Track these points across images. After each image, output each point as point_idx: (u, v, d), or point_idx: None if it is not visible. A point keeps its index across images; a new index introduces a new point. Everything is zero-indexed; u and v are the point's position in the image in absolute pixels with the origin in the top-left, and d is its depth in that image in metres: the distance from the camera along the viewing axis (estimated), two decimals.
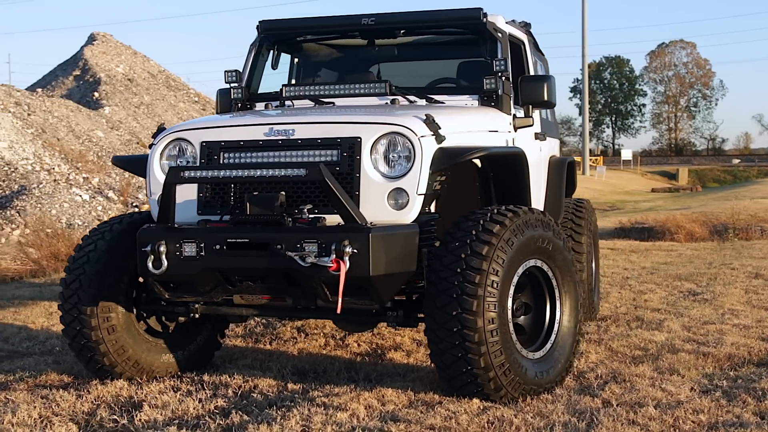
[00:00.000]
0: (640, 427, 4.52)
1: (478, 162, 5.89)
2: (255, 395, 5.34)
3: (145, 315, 5.91)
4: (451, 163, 5.15)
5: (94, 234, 5.82)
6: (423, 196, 5.09)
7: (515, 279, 5.16)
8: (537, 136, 7.21)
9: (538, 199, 7.19)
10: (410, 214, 5.06)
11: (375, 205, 5.07)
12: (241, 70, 6.77)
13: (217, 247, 4.96)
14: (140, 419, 4.85)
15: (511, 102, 6.40)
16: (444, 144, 5.20)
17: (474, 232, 5.05)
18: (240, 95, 6.67)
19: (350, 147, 5.14)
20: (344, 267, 4.69)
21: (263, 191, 5.13)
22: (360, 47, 7.13)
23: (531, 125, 6.47)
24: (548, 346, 5.41)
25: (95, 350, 5.68)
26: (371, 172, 5.12)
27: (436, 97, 6.30)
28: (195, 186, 5.37)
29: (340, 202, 4.79)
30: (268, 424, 4.64)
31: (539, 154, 7.30)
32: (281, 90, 6.32)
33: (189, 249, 5.00)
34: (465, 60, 6.92)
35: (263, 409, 4.98)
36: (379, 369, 6.01)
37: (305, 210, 5.03)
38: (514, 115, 6.42)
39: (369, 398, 5.12)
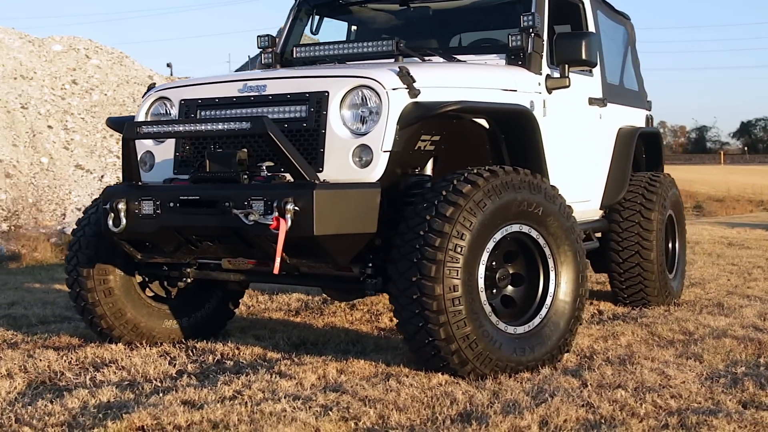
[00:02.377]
0: (588, 408, 3.99)
1: (485, 123, 5.44)
2: (228, 363, 5.15)
3: (147, 280, 5.83)
4: (421, 118, 4.75)
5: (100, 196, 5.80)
6: (389, 153, 4.71)
7: (489, 245, 4.70)
8: (593, 102, 6.64)
9: (588, 168, 6.63)
10: (374, 172, 4.70)
11: (339, 162, 4.76)
12: (275, 35, 6.61)
13: (171, 204, 4.80)
14: (93, 378, 4.77)
15: (543, 61, 5.89)
16: (420, 99, 4.80)
17: (444, 193, 4.64)
18: (270, 60, 6.50)
19: (318, 102, 4.85)
20: (284, 225, 4.40)
21: (228, 148, 4.93)
22: (418, 11, 6.78)
23: (567, 86, 5.91)
24: (536, 321, 4.91)
25: (93, 312, 5.65)
26: (338, 128, 4.80)
27: (462, 57, 5.88)
28: (173, 145, 5.25)
29: (286, 157, 4.50)
30: (204, 387, 4.42)
31: (595, 122, 6.71)
32: (292, 50, 6.09)
33: (147, 207, 4.86)
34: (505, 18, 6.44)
35: (219, 374, 4.77)
36: (382, 343, 5.67)
37: (263, 167, 4.78)
38: (548, 75, 5.90)
39: (331, 369, 4.80)
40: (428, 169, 5.33)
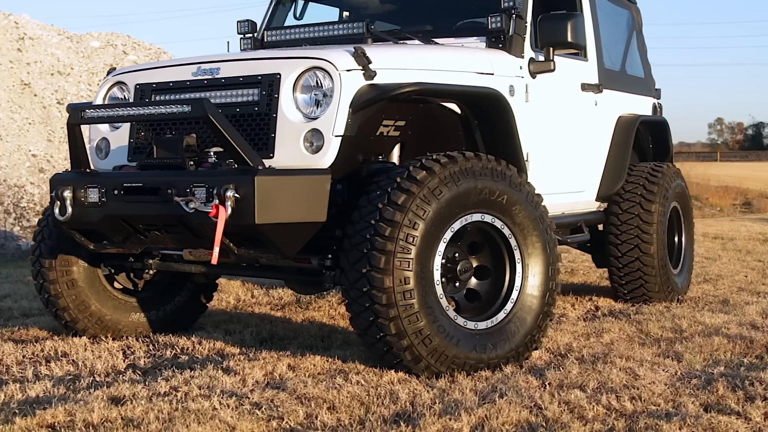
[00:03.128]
0: (533, 410, 3.70)
1: (457, 109, 5.16)
2: (183, 358, 4.95)
3: (113, 272, 5.64)
4: (375, 100, 4.48)
5: None
6: (341, 138, 4.46)
7: (446, 235, 4.43)
8: (587, 87, 6.32)
9: (581, 158, 6.31)
10: (325, 158, 4.45)
11: (291, 148, 4.52)
12: (257, 21, 6.39)
13: (116, 192, 4.60)
14: (36, 372, 4.59)
15: (526, 44, 5.60)
16: (377, 81, 4.54)
17: (398, 180, 4.38)
18: (249, 46, 6.28)
19: (270, 84, 4.61)
20: (224, 214, 4.17)
21: (179, 133, 4.71)
22: None
23: (551, 70, 5.60)
24: (500, 316, 4.63)
25: (56, 304, 5.48)
26: (290, 112, 4.56)
27: (441, 40, 5.61)
28: (127, 131, 5.06)
29: (228, 142, 4.27)
30: (142, 383, 4.22)
31: (590, 109, 6.39)
32: (263, 34, 5.88)
33: (93, 195, 4.67)
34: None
35: (165, 369, 4.57)
36: (352, 339, 5.40)
37: (211, 153, 4.56)
38: (532, 58, 5.60)
39: (282, 365, 4.57)
40: (394, 157, 5.08)
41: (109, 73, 5.32)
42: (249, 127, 4.63)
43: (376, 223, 4.28)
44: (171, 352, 5.09)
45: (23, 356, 5.01)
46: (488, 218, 4.59)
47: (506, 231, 4.65)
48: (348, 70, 4.49)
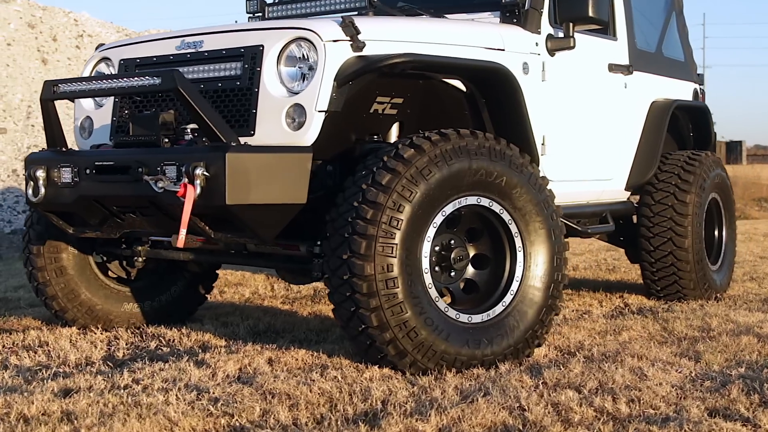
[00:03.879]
0: (514, 412, 3.31)
1: (462, 86, 4.78)
2: (164, 350, 4.66)
3: (105, 259, 5.39)
4: (361, 72, 4.13)
5: None
6: (324, 113, 4.12)
7: (437, 219, 4.06)
8: (615, 68, 5.88)
9: (608, 143, 5.88)
10: (308, 134, 4.11)
11: (272, 125, 4.19)
12: None
13: (88, 171, 4.32)
14: (5, 361, 4.36)
15: (544, 18, 5.20)
16: (366, 53, 4.19)
17: (385, 159, 4.03)
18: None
19: (252, 57, 4.29)
20: (192, 193, 3.86)
21: (158, 111, 4.42)
22: None
23: (571, 47, 5.19)
24: (498, 309, 4.24)
25: (44, 293, 5.24)
26: (273, 86, 4.23)
27: (452, 16, 5.24)
28: (110, 109, 4.79)
29: (199, 116, 3.96)
30: (103, 375, 3.94)
31: (618, 92, 5.95)
32: (264, 10, 5.56)
33: (66, 175, 4.40)
34: None
35: (139, 361, 4.28)
36: None
37: (188, 129, 4.26)
38: (550, 35, 5.20)
39: (262, 359, 4.25)
40: (392, 137, 4.72)
41: (97, 48, 5.07)
42: (230, 102, 4.32)
43: (359, 205, 3.94)
44: (155, 343, 4.80)
45: (2, 345, 4.77)
46: (485, 202, 4.21)
47: (506, 216, 4.26)
48: (334, 41, 4.15)
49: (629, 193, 6.27)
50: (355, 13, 5.42)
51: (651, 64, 6.36)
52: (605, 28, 5.69)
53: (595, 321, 5.39)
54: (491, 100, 4.80)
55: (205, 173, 3.86)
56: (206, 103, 4.02)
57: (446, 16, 5.22)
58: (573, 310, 5.91)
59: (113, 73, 4.84)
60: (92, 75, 4.96)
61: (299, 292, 6.85)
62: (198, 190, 3.86)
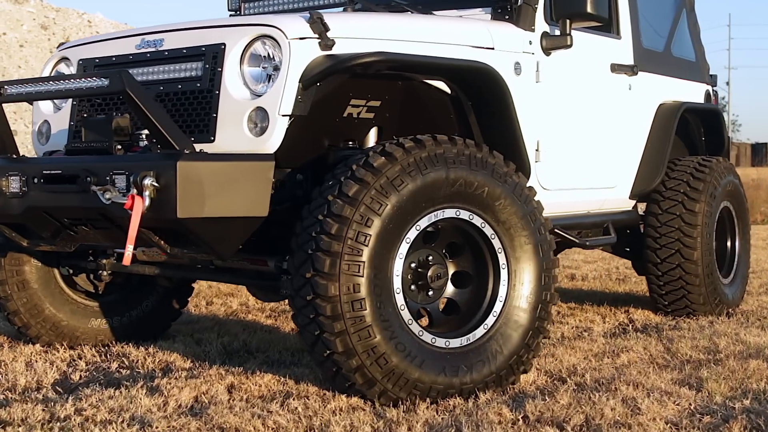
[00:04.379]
0: None
1: (447, 88, 4.42)
2: (123, 372, 4.34)
3: (72, 272, 5.06)
4: (329, 73, 3.79)
5: None
6: (289, 118, 3.77)
7: (410, 234, 3.71)
8: (618, 69, 5.50)
9: (611, 149, 5.50)
10: (270, 141, 3.77)
11: (234, 130, 3.85)
12: None
13: (36, 180, 4.00)
14: None
15: (539, 15, 4.84)
16: (336, 51, 3.85)
17: (353, 168, 3.68)
18: None
19: (214, 57, 3.95)
20: (140, 205, 3.52)
21: (112, 115, 4.09)
22: None
23: (568, 46, 4.82)
24: (479, 333, 3.88)
25: (6, 308, 4.93)
26: (235, 88, 3.89)
27: (440, 12, 4.89)
28: (69, 113, 4.47)
29: (149, 121, 3.62)
30: (44, 404, 3.61)
31: (622, 93, 5.57)
32: (240, 7, 5.23)
33: (14, 184, 4.08)
34: None
35: (92, 386, 3.95)
36: None
37: (143, 135, 3.93)
38: (545, 32, 4.84)
39: (221, 386, 3.91)
40: (370, 142, 4.37)
41: (59, 47, 4.75)
42: (191, 106, 3.99)
43: (323, 219, 3.59)
44: (117, 364, 4.47)
45: None
46: (465, 215, 3.85)
47: (488, 230, 3.90)
48: (301, 38, 3.81)
49: (634, 201, 5.88)
50: (339, 9, 5.11)
51: (658, 64, 5.97)
52: (607, 26, 5.33)
53: (594, 341, 5.01)
54: (478, 103, 4.44)
55: (154, 184, 3.52)
56: (158, 106, 3.68)
57: (435, 13, 4.87)
58: (573, 327, 5.54)
59: (73, 73, 4.52)
60: (51, 75, 4.64)
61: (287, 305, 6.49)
62: (147, 202, 3.52)
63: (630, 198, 5.78)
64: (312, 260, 3.57)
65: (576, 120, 5.16)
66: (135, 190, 3.54)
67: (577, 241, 5.12)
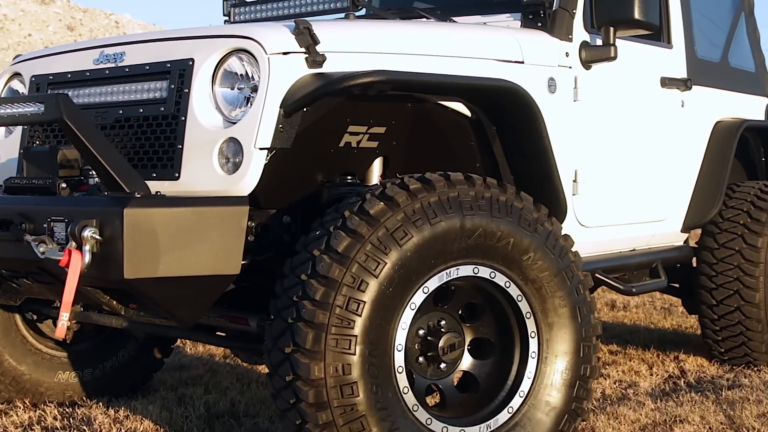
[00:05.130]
0: None
1: (467, 111, 3.69)
2: None
3: (36, 319, 4.40)
4: (317, 96, 3.07)
5: None
6: (268, 151, 3.06)
7: (416, 298, 2.99)
8: (669, 83, 4.74)
9: (661, 176, 4.74)
10: (244, 180, 3.06)
11: (202, 164, 3.16)
12: None
13: None
14: None
15: (577, 22, 4.12)
16: (326, 69, 3.13)
17: (346, 215, 2.96)
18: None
19: (180, 75, 3.26)
20: (78, 262, 2.83)
21: (57, 146, 3.40)
22: None
23: (612, 58, 4.08)
24: (502, 418, 3.15)
25: None
26: (204, 113, 3.20)
27: (461, 19, 4.17)
28: (18, 139, 3.79)
29: (92, 157, 2.93)
30: None
31: (674, 111, 4.81)
32: (229, 12, 4.53)
33: None
34: None
35: None
36: None
37: (92, 171, 3.23)
38: (584, 42, 4.10)
39: None
40: (374, 176, 3.65)
41: (13, 60, 4.08)
42: (153, 134, 3.29)
43: (307, 279, 2.88)
44: None
45: None
46: (485, 272, 3.12)
47: (513, 291, 3.16)
48: (283, 53, 3.11)
49: (686, 235, 5.12)
50: (342, 15, 4.39)
51: (714, 77, 5.21)
52: (657, 34, 4.58)
53: (642, 404, 4.26)
54: (504, 128, 3.71)
55: (96, 236, 2.83)
56: (103, 138, 2.99)
57: (455, 20, 4.15)
58: (616, 381, 4.79)
59: (25, 92, 3.85)
60: (3, 94, 3.97)
61: None
62: (87, 259, 2.83)
63: (682, 231, 5.01)
64: (292, 332, 2.87)
65: (620, 144, 4.41)
66: (74, 244, 2.85)
67: (621, 287, 4.38)
